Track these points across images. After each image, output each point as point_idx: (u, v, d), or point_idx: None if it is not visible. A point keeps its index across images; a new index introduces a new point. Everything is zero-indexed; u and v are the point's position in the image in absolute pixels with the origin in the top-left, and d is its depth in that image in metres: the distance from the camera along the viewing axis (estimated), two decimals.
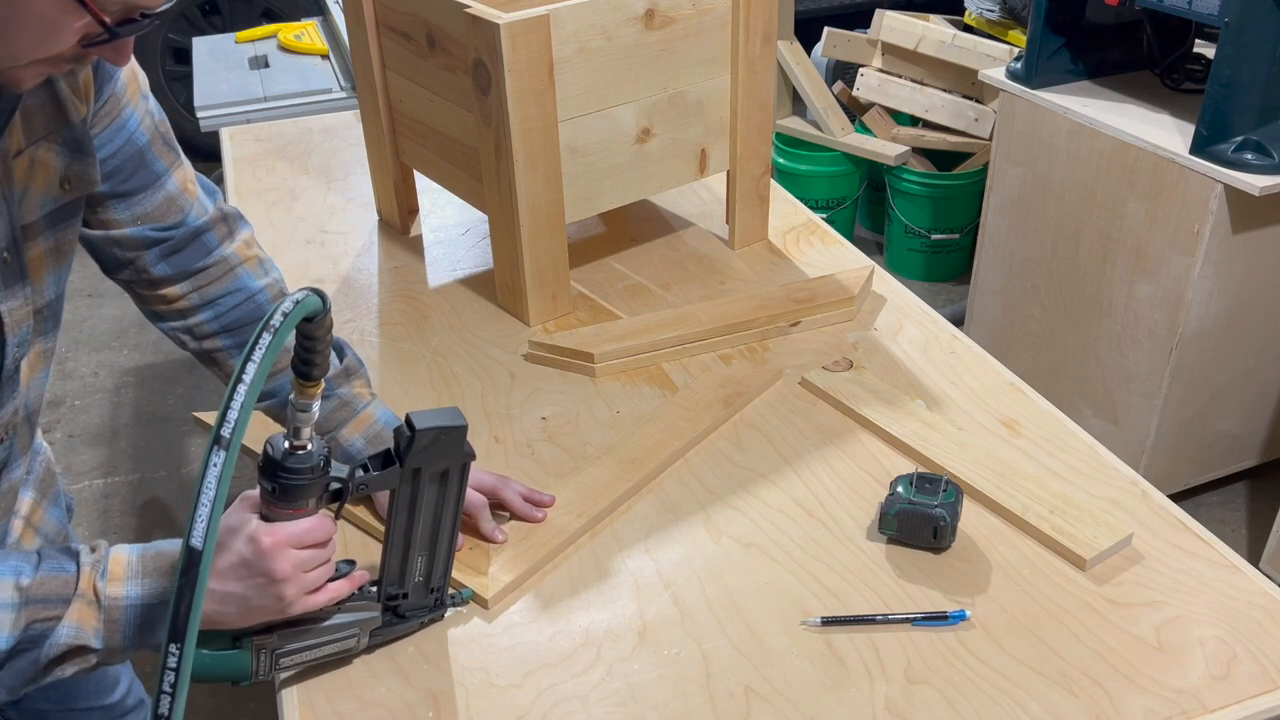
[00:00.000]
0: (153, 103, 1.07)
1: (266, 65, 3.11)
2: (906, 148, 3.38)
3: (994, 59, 3.16)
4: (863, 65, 3.55)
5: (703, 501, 1.24)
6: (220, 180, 2.05)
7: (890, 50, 3.47)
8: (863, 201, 3.72)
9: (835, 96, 3.53)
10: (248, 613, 0.91)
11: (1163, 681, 1.00)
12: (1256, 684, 1.00)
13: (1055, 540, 1.15)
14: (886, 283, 1.65)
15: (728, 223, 1.77)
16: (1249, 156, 2.05)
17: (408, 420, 0.95)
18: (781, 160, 3.54)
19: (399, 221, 1.84)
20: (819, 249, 1.76)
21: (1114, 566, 1.13)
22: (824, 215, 3.38)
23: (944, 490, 1.14)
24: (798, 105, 3.54)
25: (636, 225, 1.85)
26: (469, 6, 1.39)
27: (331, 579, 0.96)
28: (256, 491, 0.92)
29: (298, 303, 0.79)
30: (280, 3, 4.28)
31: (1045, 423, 1.35)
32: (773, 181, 1.83)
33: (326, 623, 0.99)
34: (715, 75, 1.60)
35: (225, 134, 2.24)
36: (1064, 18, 2.42)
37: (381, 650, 1.05)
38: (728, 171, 1.71)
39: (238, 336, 1.16)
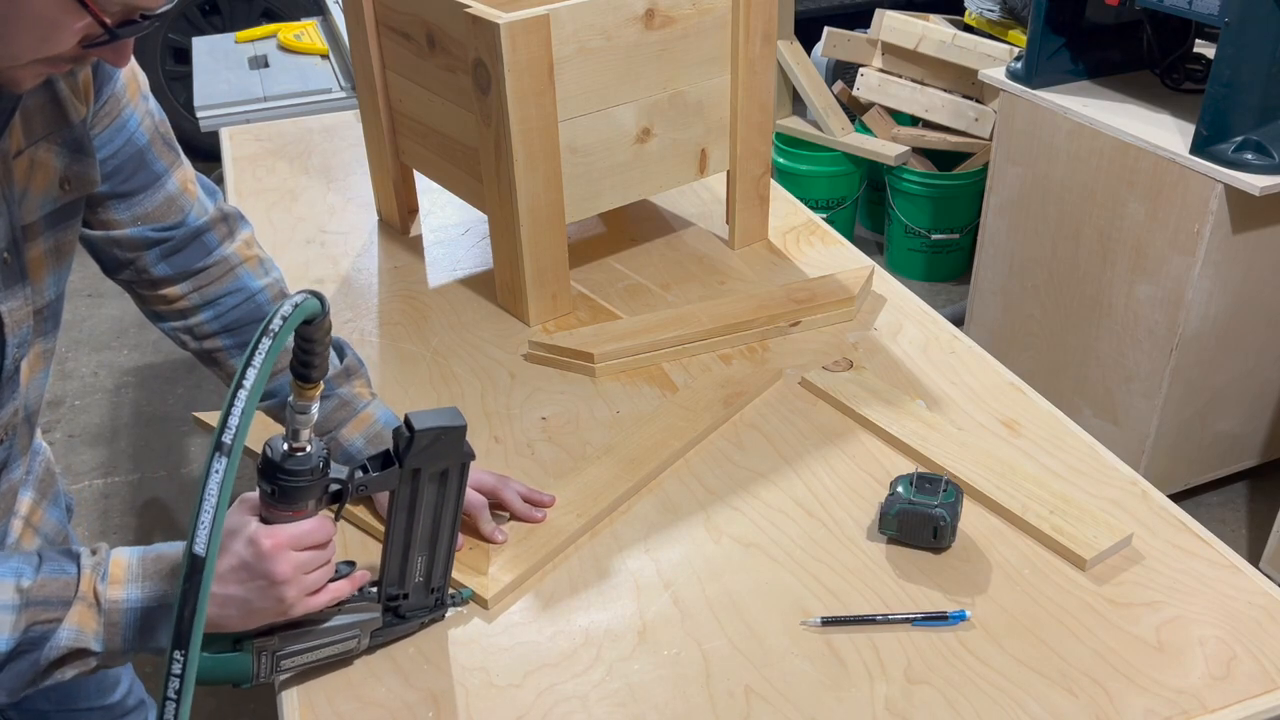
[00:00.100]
0: (153, 103, 1.07)
1: (266, 65, 3.11)
2: (906, 148, 3.38)
3: (994, 59, 3.16)
4: (863, 65, 3.55)
5: (703, 501, 1.24)
6: (220, 180, 2.05)
7: (890, 50, 3.47)
8: (863, 201, 3.72)
9: (835, 96, 3.53)
10: (248, 615, 0.91)
11: (1163, 681, 1.00)
12: (1256, 684, 1.00)
13: (1055, 540, 1.15)
14: (886, 283, 1.65)
15: (728, 223, 1.77)
16: (1249, 156, 2.05)
17: (406, 421, 0.95)
18: (781, 160, 3.54)
19: (399, 221, 1.84)
20: (819, 249, 1.76)
21: (1114, 566, 1.13)
22: (824, 215, 3.38)
23: (944, 490, 1.14)
24: (798, 105, 3.54)
25: (636, 225, 1.85)
26: (469, 6, 1.39)
27: (332, 580, 0.96)
28: (256, 494, 0.92)
29: (296, 306, 0.79)
30: (280, 3, 4.28)
31: (1045, 423, 1.35)
32: (773, 181, 1.83)
33: (327, 624, 0.99)
34: (715, 75, 1.60)
35: (225, 134, 2.24)
36: (1064, 18, 2.42)
37: (381, 651, 1.05)
38: (728, 171, 1.71)
39: (238, 336, 1.16)
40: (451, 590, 1.09)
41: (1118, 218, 2.32)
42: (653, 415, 1.36)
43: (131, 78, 1.03)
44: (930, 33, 3.33)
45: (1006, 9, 3.38)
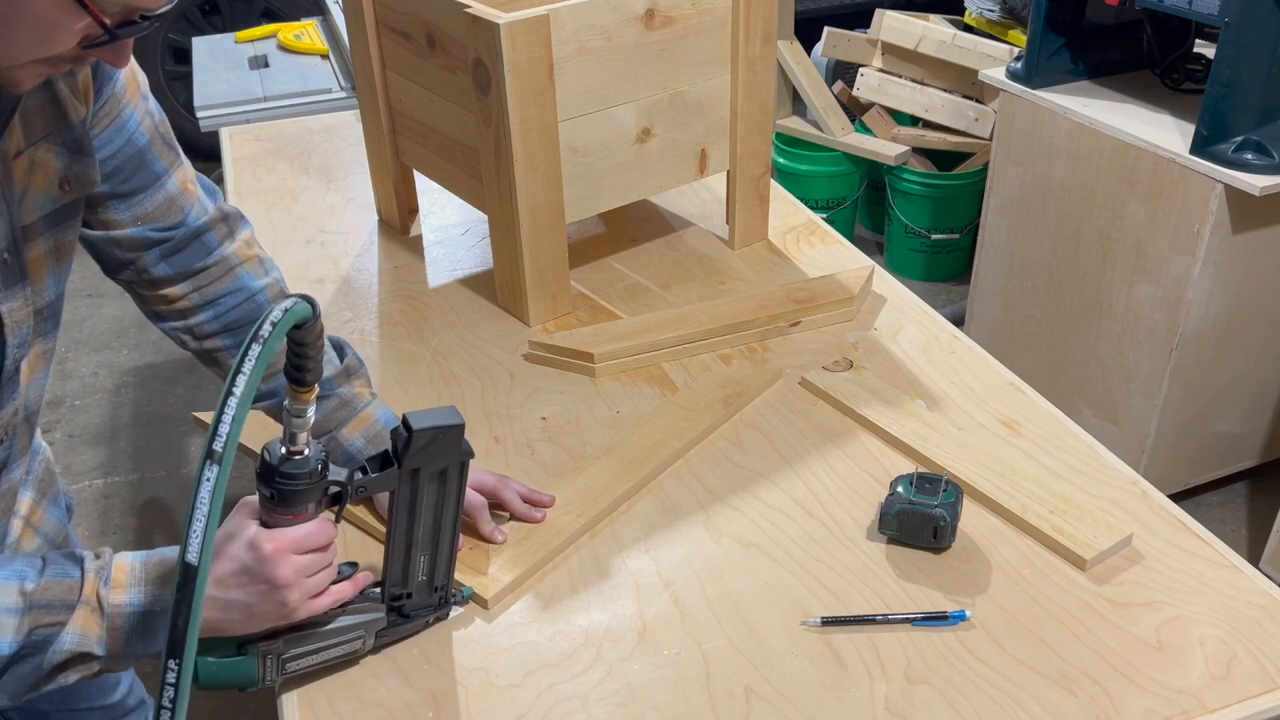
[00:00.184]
0: (152, 103, 1.07)
1: (266, 65, 3.11)
2: (906, 148, 3.38)
3: (994, 59, 3.16)
4: (863, 65, 3.55)
5: (703, 501, 1.24)
6: (220, 180, 2.05)
7: (890, 50, 3.47)
8: (863, 201, 3.72)
9: (835, 96, 3.53)
10: (251, 620, 0.91)
11: (1163, 681, 1.00)
12: (1256, 684, 1.00)
13: (1055, 540, 1.15)
14: (886, 283, 1.65)
15: (728, 223, 1.77)
16: (1249, 156, 2.05)
17: (404, 421, 0.95)
18: (781, 160, 3.54)
19: (399, 221, 1.84)
20: (819, 249, 1.77)
21: (1114, 566, 1.13)
22: (824, 215, 3.38)
23: (944, 490, 1.14)
24: (798, 105, 3.54)
25: (636, 225, 1.85)
26: (469, 6, 1.39)
27: (334, 582, 0.96)
28: (256, 497, 0.92)
29: (286, 311, 0.79)
30: (280, 3, 4.28)
31: (1045, 423, 1.35)
32: (773, 181, 1.83)
33: (331, 626, 0.99)
34: (715, 75, 1.60)
35: (225, 134, 2.24)
36: (1064, 18, 2.42)
37: (381, 651, 1.05)
38: (728, 171, 1.71)
39: (238, 336, 1.16)
40: (452, 590, 1.09)
41: (1118, 218, 2.32)
42: (653, 415, 1.36)
43: (131, 78, 1.03)
44: (930, 33, 3.33)
45: (1006, 9, 3.38)
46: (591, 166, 1.53)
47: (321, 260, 1.78)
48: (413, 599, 1.04)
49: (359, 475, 0.95)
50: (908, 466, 1.27)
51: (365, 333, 1.58)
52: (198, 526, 0.72)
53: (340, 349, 1.19)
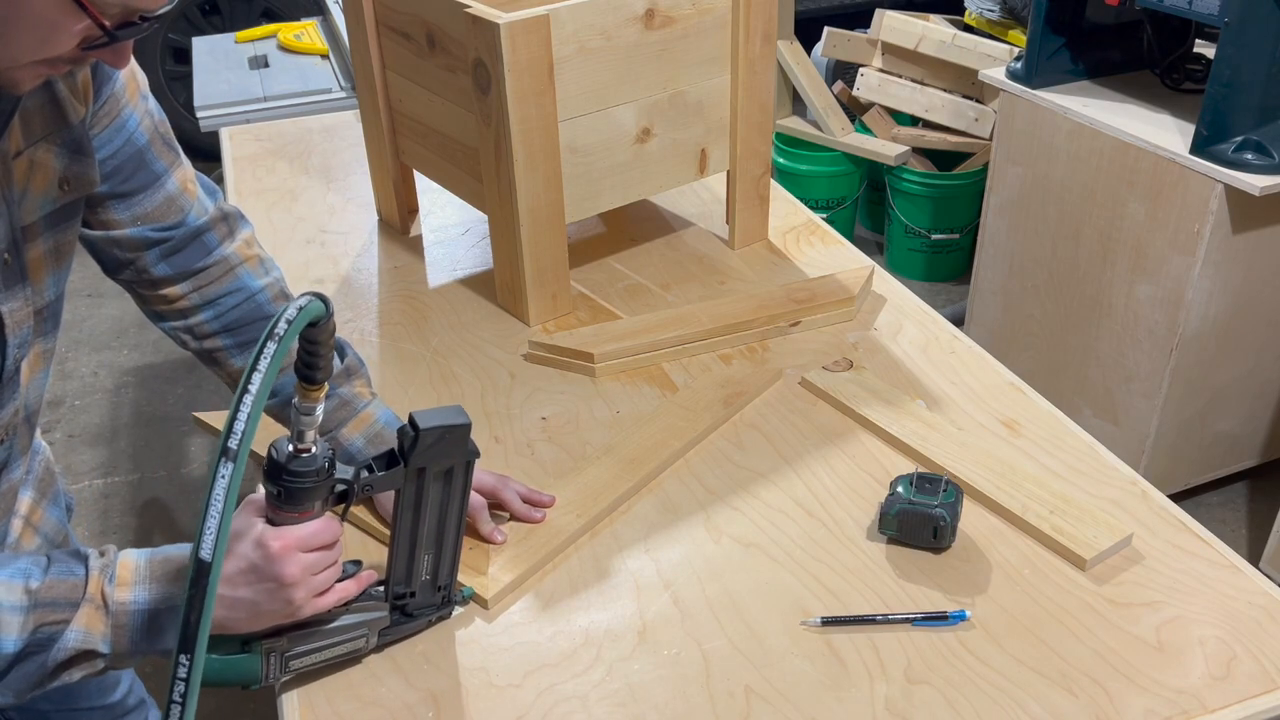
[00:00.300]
0: (152, 103, 1.07)
1: (266, 65, 3.11)
2: (906, 148, 3.38)
3: (994, 59, 3.16)
4: (863, 65, 3.55)
5: (703, 501, 1.24)
6: (220, 180, 2.05)
7: (890, 50, 3.47)
8: (863, 201, 3.72)
9: (835, 96, 3.53)
10: (257, 617, 0.91)
11: (1163, 681, 1.00)
12: (1256, 684, 1.00)
13: (1055, 540, 1.15)
14: (886, 283, 1.66)
15: (728, 223, 1.77)
16: (1249, 156, 2.05)
17: (411, 420, 0.95)
18: (781, 160, 3.54)
19: (399, 221, 1.84)
20: (819, 249, 1.77)
21: (1114, 566, 1.13)
22: (824, 215, 3.39)
23: (944, 490, 1.14)
24: (798, 105, 3.54)
25: (636, 225, 1.85)
26: (469, 6, 1.39)
27: (339, 580, 0.96)
28: (262, 495, 0.92)
29: (301, 309, 0.79)
30: (280, 3, 4.28)
31: (1045, 423, 1.35)
32: (773, 181, 1.83)
33: (335, 624, 0.99)
34: (715, 75, 1.60)
35: (225, 134, 2.24)
36: (1064, 18, 2.42)
37: (382, 650, 1.05)
38: (728, 171, 1.71)
39: (238, 336, 1.16)
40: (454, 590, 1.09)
41: (1118, 218, 2.32)
42: (653, 415, 1.36)
43: (131, 78, 1.03)
44: (930, 33, 3.33)
45: (1006, 9, 3.38)
46: (591, 166, 1.53)
47: (321, 260, 1.78)
48: (416, 598, 1.04)
49: (365, 474, 0.95)
50: (908, 466, 1.27)
51: (365, 333, 1.58)
52: (212, 523, 0.72)
53: (340, 349, 1.19)
